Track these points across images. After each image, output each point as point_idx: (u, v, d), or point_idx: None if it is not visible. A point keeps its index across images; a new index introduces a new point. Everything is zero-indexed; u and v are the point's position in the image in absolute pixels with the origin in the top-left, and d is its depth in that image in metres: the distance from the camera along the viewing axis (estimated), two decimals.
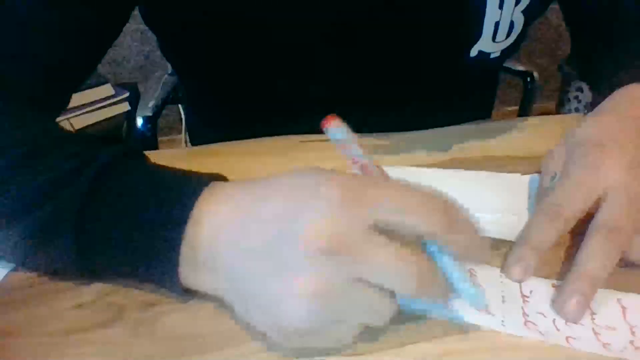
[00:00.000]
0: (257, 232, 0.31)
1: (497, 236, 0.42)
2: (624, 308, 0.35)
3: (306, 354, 0.32)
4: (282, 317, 0.30)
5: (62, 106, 0.52)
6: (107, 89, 1.46)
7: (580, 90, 1.90)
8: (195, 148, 0.73)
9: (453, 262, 0.31)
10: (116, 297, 0.37)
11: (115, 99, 1.48)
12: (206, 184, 0.34)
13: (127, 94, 1.50)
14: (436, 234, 0.30)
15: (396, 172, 0.49)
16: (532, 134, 0.56)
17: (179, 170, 0.36)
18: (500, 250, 0.41)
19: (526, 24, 0.55)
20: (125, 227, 0.34)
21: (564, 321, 0.35)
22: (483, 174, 0.49)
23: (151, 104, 0.94)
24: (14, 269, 0.39)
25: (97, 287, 0.38)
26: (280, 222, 0.30)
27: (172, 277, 0.33)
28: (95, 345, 0.34)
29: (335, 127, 0.33)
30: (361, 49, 0.55)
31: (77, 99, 1.39)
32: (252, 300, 0.31)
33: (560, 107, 2.01)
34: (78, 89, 0.53)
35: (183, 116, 1.03)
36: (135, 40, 1.71)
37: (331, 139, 0.34)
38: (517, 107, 1.17)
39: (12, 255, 0.38)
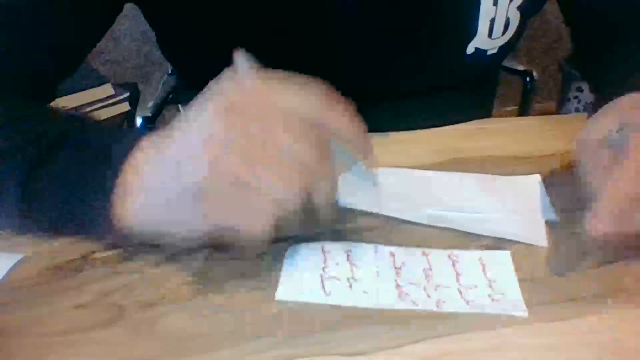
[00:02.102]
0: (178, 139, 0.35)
1: (497, 236, 0.42)
2: (483, 265, 0.39)
3: (306, 353, 0.33)
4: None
5: (50, 97, 0.54)
6: (107, 89, 1.46)
7: (580, 90, 1.90)
8: None
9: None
10: (116, 297, 0.37)
11: (115, 99, 1.48)
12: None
13: (127, 94, 1.50)
14: (319, 112, 0.35)
15: (396, 173, 0.49)
16: (532, 134, 0.56)
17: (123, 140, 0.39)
18: (502, 251, 0.41)
19: (522, 21, 0.55)
20: (71, 174, 0.37)
21: (434, 288, 0.37)
22: (483, 175, 0.49)
23: (151, 104, 0.94)
24: (14, 267, 0.39)
25: (97, 287, 0.38)
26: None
27: (105, 206, 0.35)
28: (95, 345, 0.34)
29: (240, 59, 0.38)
30: (357, 49, 0.55)
31: (77, 99, 1.39)
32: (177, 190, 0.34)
33: (560, 107, 2.00)
34: (78, 89, 0.54)
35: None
36: (135, 40, 1.70)
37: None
38: (517, 107, 1.17)
39: None
